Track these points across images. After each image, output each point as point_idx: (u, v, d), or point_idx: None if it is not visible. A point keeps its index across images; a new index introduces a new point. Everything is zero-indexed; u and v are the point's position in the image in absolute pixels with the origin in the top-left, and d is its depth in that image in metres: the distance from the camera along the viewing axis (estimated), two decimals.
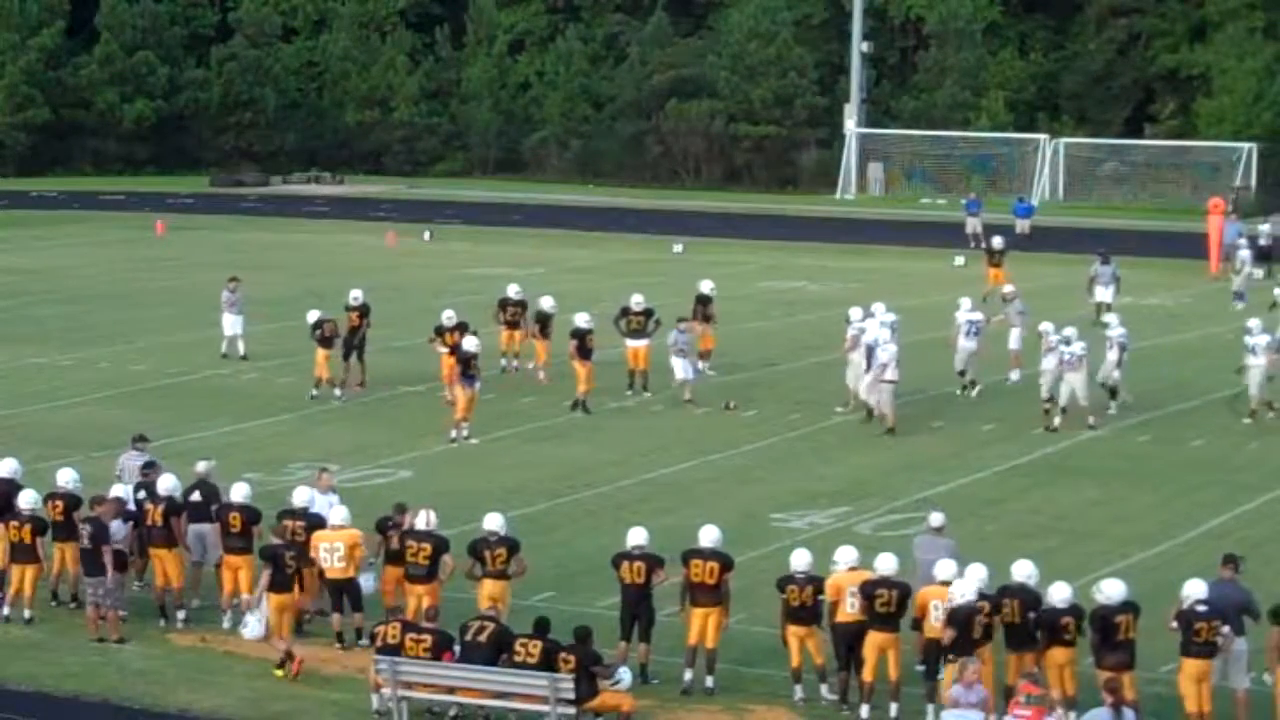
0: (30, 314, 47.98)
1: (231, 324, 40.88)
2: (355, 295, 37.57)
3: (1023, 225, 67.48)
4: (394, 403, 35.87)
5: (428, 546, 21.52)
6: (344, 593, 21.78)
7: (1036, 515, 27.87)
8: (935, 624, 19.29)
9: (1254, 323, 35.44)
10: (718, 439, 32.75)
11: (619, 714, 18.99)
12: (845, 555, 20.25)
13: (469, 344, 33.18)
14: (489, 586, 21.08)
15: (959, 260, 57.01)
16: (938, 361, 39.18)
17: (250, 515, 22.61)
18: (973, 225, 64.46)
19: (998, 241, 52.71)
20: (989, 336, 37.18)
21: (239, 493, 22.85)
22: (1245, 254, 50.85)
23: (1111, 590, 19.03)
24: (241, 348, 40.66)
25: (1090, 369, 33.92)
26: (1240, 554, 20.49)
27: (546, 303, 37.63)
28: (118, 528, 22.51)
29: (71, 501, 22.99)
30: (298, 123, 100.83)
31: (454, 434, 32.64)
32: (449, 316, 35.56)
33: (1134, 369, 39.75)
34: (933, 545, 20.79)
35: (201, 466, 23.88)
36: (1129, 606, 18.91)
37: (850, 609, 19.71)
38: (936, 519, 21.66)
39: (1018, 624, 19.14)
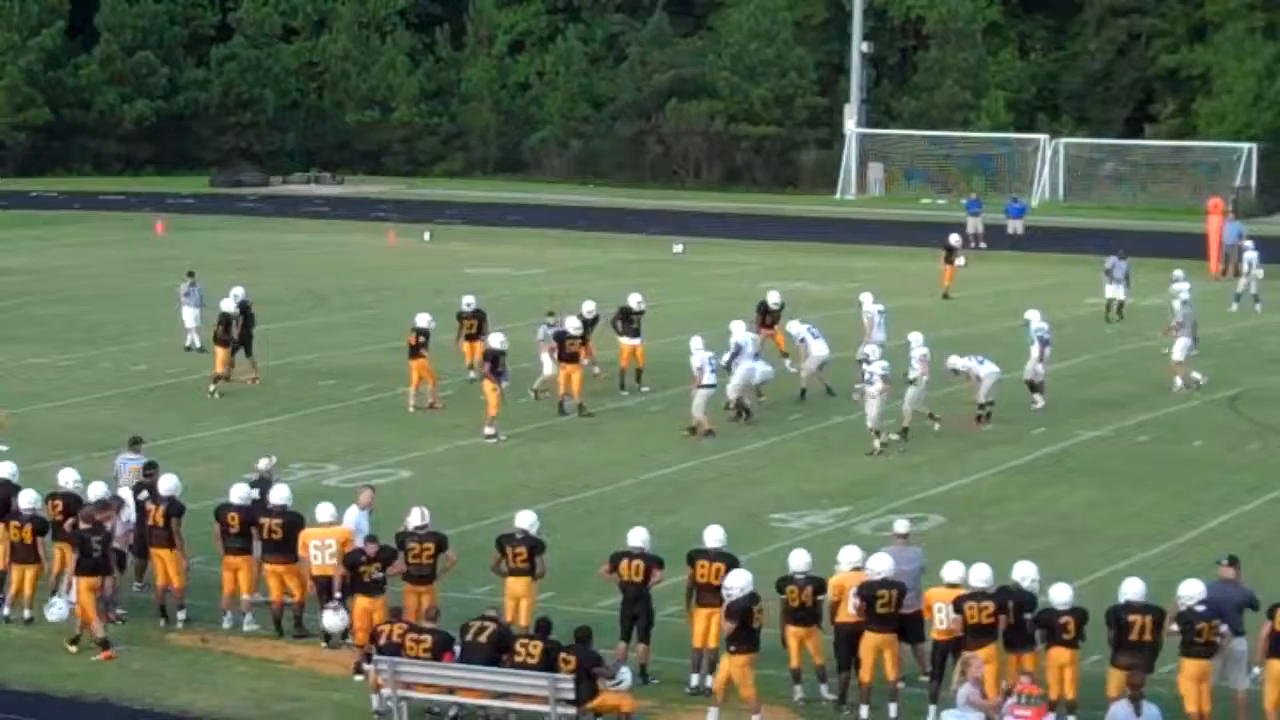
0: (31, 314, 47.99)
1: (190, 317, 41.78)
2: (236, 292, 38.25)
3: (1015, 225, 67.65)
4: (394, 403, 35.85)
5: (430, 545, 21.56)
6: (331, 591, 21.86)
7: (1037, 515, 27.86)
8: (941, 626, 19.33)
9: (872, 348, 33.87)
10: (717, 439, 32.72)
11: (619, 714, 18.99)
12: (849, 555, 20.27)
13: (495, 341, 33.33)
14: (512, 584, 21.21)
15: (959, 261, 56.90)
16: (937, 363, 39.20)
17: (249, 515, 22.65)
18: (974, 225, 64.67)
19: (954, 239, 52.63)
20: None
21: (236, 494, 22.88)
22: (1253, 255, 50.32)
23: (1129, 589, 19.04)
24: (197, 340, 41.33)
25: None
26: (1236, 555, 20.49)
27: (587, 307, 36.03)
28: (117, 526, 22.54)
29: (72, 501, 23.01)
30: (298, 123, 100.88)
31: (489, 431, 32.73)
32: (428, 320, 35.71)
33: (1134, 369, 39.93)
34: (901, 555, 20.71)
35: (263, 464, 24.05)
36: (1149, 609, 18.86)
37: (852, 609, 19.72)
38: (901, 526, 21.53)
39: (1014, 625, 19.15)
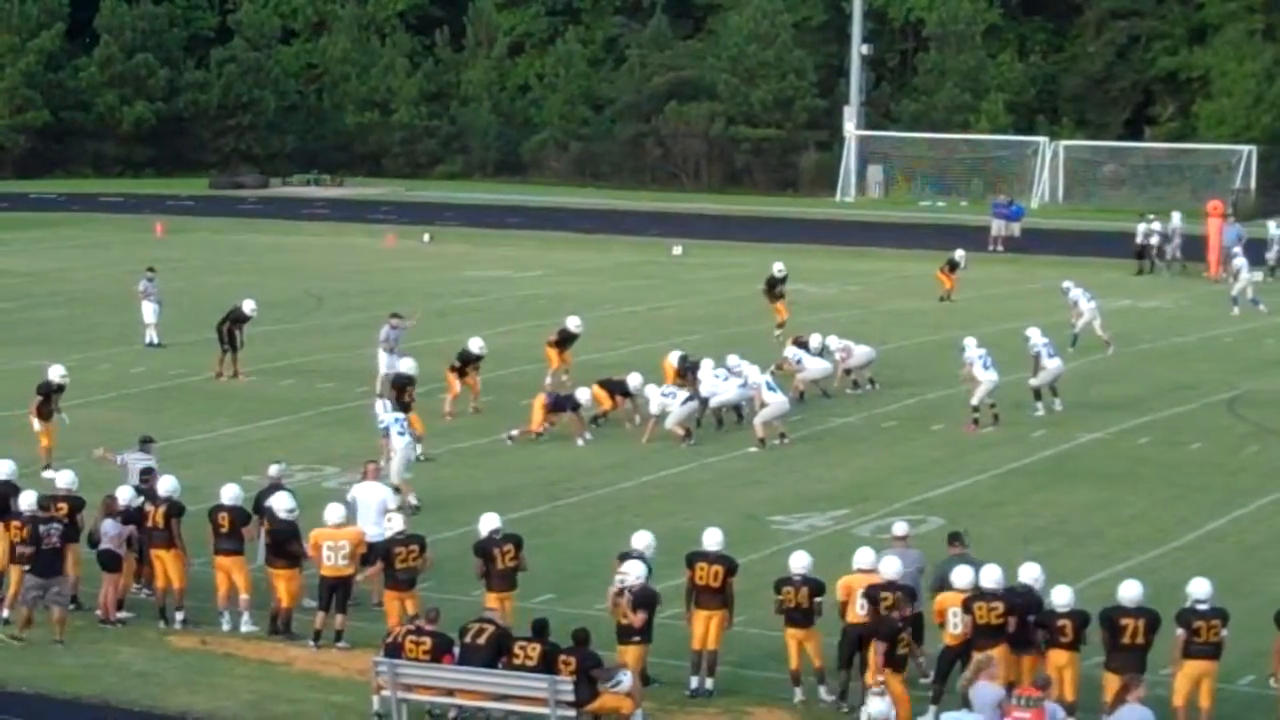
0: (31, 316, 47.98)
1: (149, 313, 42.61)
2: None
3: (1012, 228, 67.69)
4: None
5: (415, 548, 21.64)
6: (336, 591, 21.86)
7: (1036, 518, 27.86)
8: (955, 632, 19.33)
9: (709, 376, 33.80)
10: (717, 441, 32.74)
11: (618, 716, 18.98)
12: (862, 557, 20.26)
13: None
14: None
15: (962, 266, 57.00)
16: (936, 364, 39.25)
17: (239, 516, 22.69)
18: (998, 228, 65.01)
19: (959, 255, 52.75)
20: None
21: (227, 494, 22.91)
22: (1241, 260, 50.37)
23: (1125, 592, 19.02)
24: (155, 335, 42.36)
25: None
26: (959, 531, 20.99)
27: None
28: (109, 526, 22.59)
29: (75, 504, 23.00)
30: (297, 125, 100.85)
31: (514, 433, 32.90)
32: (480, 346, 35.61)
33: (1134, 371, 39.98)
34: (901, 557, 20.69)
35: (274, 470, 24.13)
36: (1142, 612, 18.85)
37: (860, 610, 19.72)
38: (900, 528, 21.51)
39: (1020, 625, 19.14)
